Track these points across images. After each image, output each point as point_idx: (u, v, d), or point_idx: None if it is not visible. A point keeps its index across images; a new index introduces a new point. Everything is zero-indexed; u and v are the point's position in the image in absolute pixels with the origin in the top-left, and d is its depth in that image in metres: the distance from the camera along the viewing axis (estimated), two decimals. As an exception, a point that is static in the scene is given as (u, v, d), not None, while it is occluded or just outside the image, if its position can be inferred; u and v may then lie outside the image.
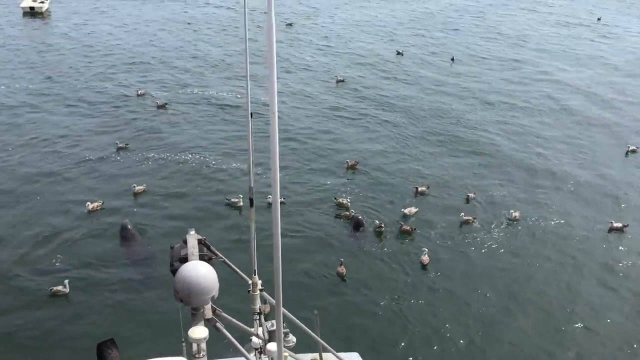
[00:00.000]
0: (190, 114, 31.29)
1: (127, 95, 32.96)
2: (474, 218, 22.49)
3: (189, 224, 22.58)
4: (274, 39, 4.31)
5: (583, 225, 22.84)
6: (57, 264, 19.01)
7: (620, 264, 20.70)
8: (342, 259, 19.42)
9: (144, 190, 23.21)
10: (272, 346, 6.07)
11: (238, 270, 7.20)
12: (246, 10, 6.48)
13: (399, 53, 43.31)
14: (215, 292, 5.99)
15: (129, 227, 20.79)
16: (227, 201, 22.57)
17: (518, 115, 33.31)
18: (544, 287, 19.46)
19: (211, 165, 25.78)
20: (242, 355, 6.13)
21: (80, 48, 41.39)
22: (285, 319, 6.91)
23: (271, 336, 6.47)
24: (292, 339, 6.83)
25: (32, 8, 48.58)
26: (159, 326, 15.71)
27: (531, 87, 37.79)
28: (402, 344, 16.69)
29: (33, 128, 28.67)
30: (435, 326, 17.44)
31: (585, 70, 41.45)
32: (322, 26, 50.72)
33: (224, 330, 6.04)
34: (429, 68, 40.89)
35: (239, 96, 33.38)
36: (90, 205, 21.77)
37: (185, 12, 53.01)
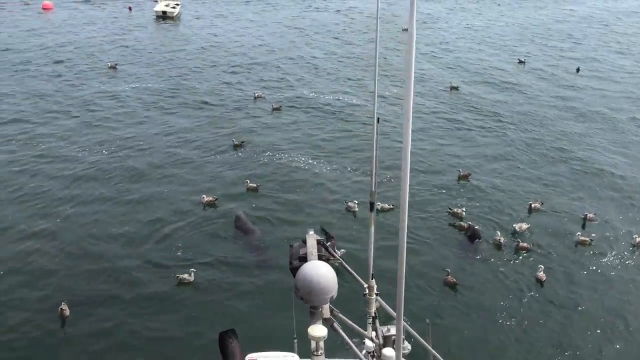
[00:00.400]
0: (304, 117, 32.01)
1: (245, 98, 34.28)
2: (591, 239, 21.22)
3: (300, 222, 23.23)
4: (414, 46, 4.35)
5: None
6: (179, 253, 20.04)
7: None
8: (448, 270, 19.07)
9: (256, 188, 24.01)
10: (387, 351, 6.08)
11: (354, 273, 7.29)
12: (378, 15, 6.59)
13: (520, 61, 41.89)
14: (334, 293, 6.11)
15: (243, 217, 21.67)
16: (345, 204, 22.69)
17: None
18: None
19: (325, 168, 26.13)
20: (357, 357, 6.19)
21: (204, 51, 43.67)
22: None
23: (386, 341, 6.49)
24: (407, 346, 6.81)
25: (164, 12, 52.12)
26: (272, 319, 16.19)
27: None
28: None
29: (160, 124, 30.58)
30: (554, 344, 16.81)
31: None
32: (438, 32, 50.11)
33: (341, 331, 6.14)
34: (550, 79, 39.17)
35: (354, 101, 33.77)
36: (205, 199, 22.82)
37: (302, 18, 54.45)
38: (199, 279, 18.62)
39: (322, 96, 34.93)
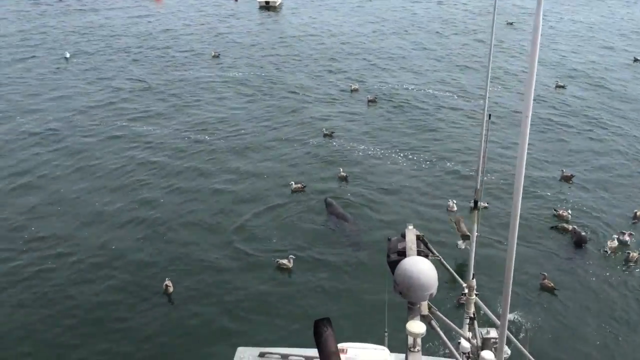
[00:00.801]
0: (399, 112, 31.62)
1: (341, 90, 34.37)
2: None
3: (392, 213, 23.03)
4: (538, 41, 4.16)
5: None
6: (274, 239, 20.45)
7: None
8: (545, 273, 18.26)
9: (345, 177, 24.17)
10: (486, 354, 5.93)
11: (453, 272, 7.16)
12: (495, 9, 6.37)
13: (636, 60, 39.30)
14: (433, 290, 6.02)
15: (335, 203, 21.97)
16: (448, 204, 22.10)
17: None
18: None
19: (420, 165, 25.63)
20: (454, 356, 6.08)
21: (306, 40, 44.23)
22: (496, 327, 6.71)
23: (484, 343, 6.32)
24: (507, 350, 6.61)
25: (267, 2, 53.73)
26: (363, 309, 16.28)
27: None
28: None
29: (255, 111, 31.34)
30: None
31: None
32: (546, 26, 47.85)
33: (438, 329, 6.04)
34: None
35: (453, 99, 33.06)
36: (294, 185, 23.25)
37: (405, 9, 53.80)
38: (295, 264, 18.92)
39: (418, 92, 34.35)
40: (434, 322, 6.11)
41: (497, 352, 5.15)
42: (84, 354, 15.67)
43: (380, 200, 23.05)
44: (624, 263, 19.39)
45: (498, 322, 5.63)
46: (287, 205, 22.49)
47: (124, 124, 29.54)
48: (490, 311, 7.06)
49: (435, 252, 7.19)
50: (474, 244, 7.22)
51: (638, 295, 18.11)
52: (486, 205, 21.45)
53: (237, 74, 36.82)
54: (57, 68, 37.82)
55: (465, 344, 6.67)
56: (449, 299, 16.20)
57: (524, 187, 4.49)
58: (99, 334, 16.28)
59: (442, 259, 7.21)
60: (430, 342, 11.67)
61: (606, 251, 19.70)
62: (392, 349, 9.27)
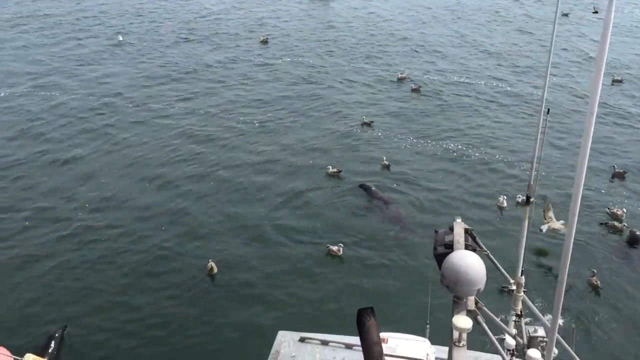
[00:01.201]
0: (445, 101, 31.15)
1: (388, 79, 33.99)
2: None
3: (437, 203, 22.68)
4: (608, 38, 4.01)
5: None
6: (318, 224, 20.54)
7: None
8: (594, 270, 17.79)
9: (388, 165, 24.08)
10: (533, 353, 5.82)
11: (501, 268, 7.04)
12: (559, 1, 6.17)
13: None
14: (481, 285, 5.94)
15: (374, 188, 22.06)
16: (498, 199, 21.64)
17: None
18: None
19: (468, 157, 25.24)
20: (499, 353, 6.00)
21: (354, 28, 43.87)
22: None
23: (531, 342, 6.22)
24: (554, 350, 6.49)
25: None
26: (406, 299, 16.34)
27: None
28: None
29: (309, 99, 31.33)
30: None
31: None
32: (601, 18, 46.14)
33: (484, 325, 5.97)
34: None
35: (501, 88, 32.39)
36: (330, 170, 23.48)
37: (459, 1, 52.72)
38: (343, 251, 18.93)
39: (469, 80, 33.77)
40: (479, 318, 6.04)
41: (546, 352, 5.05)
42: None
43: (423, 189, 22.82)
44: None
45: (547, 324, 5.52)
46: (329, 190, 22.68)
47: (172, 104, 30.19)
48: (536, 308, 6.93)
49: (483, 246, 7.08)
50: (524, 240, 7.07)
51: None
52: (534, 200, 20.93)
53: (283, 60, 36.85)
54: (109, 48, 38.69)
55: (510, 340, 6.56)
56: (492, 293, 15.97)
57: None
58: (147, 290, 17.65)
59: (489, 254, 7.10)
60: (470, 335, 11.55)
61: None
62: (433, 341, 9.23)
